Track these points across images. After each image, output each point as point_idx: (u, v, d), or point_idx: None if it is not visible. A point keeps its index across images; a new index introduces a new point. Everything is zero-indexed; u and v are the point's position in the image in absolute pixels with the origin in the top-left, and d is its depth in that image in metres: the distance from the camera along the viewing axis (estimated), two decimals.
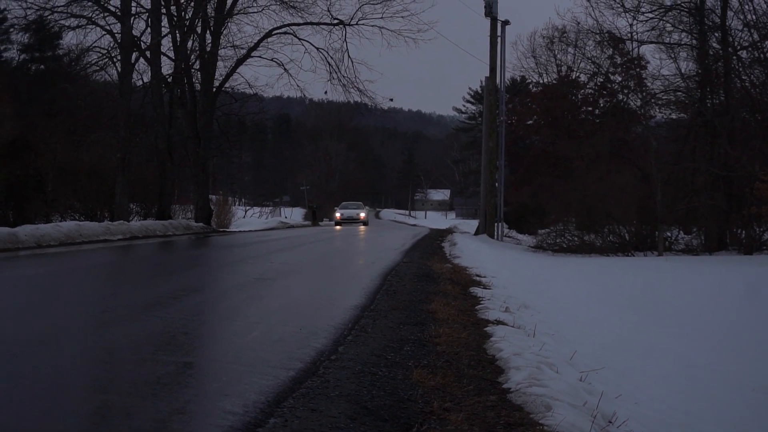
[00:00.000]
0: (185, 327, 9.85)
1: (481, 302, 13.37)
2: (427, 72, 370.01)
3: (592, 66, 57.42)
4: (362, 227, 62.12)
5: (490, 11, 45.51)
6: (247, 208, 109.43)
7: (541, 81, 69.07)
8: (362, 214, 67.26)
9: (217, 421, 5.70)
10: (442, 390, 7.27)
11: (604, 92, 58.32)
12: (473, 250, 29.04)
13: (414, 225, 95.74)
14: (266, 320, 10.62)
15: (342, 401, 6.58)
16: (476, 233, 46.75)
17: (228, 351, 8.50)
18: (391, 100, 76.34)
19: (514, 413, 6.72)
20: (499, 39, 46.12)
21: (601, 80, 57.48)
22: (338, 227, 57.82)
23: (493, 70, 46.17)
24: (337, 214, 67.75)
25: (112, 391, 6.44)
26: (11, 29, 59.78)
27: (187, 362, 7.79)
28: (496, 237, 44.94)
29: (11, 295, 13.08)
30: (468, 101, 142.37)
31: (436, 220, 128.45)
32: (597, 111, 61.15)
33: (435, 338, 9.73)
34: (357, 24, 47.66)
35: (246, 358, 8.02)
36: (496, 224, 45.77)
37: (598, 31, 47.59)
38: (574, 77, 64.38)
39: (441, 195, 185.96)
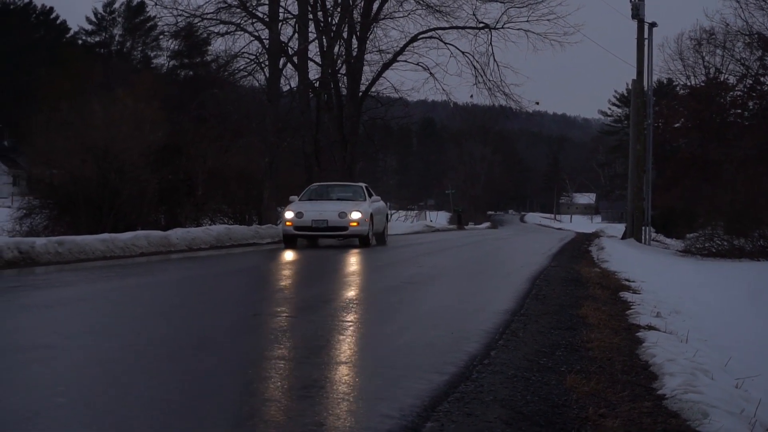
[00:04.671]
0: (337, 330, 9.94)
1: (632, 307, 13.22)
2: (572, 75, 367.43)
3: (741, 68, 56.38)
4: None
5: (637, 13, 44.92)
6: (393, 211, 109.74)
7: (689, 83, 67.93)
8: (354, 215, 28.44)
9: (375, 425, 5.75)
10: (597, 396, 7.21)
11: (754, 94, 57.10)
12: (621, 254, 28.75)
13: (559, 229, 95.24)
14: (417, 324, 10.67)
15: (497, 406, 6.58)
16: (623, 237, 46.23)
17: (381, 354, 8.54)
18: (537, 103, 75.83)
19: (671, 420, 6.64)
20: (646, 41, 45.49)
21: (751, 82, 56.35)
22: (290, 252, 25.63)
23: (639, 72, 45.60)
24: (288, 215, 28.56)
25: (269, 393, 6.53)
26: (161, 36, 60.97)
27: (340, 365, 7.87)
28: (643, 241, 44.37)
29: (167, 297, 13.33)
30: (613, 104, 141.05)
31: (582, 224, 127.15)
32: (746, 113, 59.93)
33: (586, 343, 9.66)
34: (502, 28, 47.56)
35: (399, 362, 8.06)
36: (643, 228, 45.19)
37: (747, 33, 46.80)
38: (722, 79, 63.20)
39: (586, 199, 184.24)
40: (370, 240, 28.79)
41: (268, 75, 43.42)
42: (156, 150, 31.74)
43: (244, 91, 49.76)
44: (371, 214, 28.97)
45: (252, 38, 44.71)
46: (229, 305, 12.32)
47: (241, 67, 46.01)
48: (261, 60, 44.85)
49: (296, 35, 45.52)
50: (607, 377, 7.96)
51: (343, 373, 7.51)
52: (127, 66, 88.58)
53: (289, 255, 23.54)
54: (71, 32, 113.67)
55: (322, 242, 29.99)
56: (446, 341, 9.35)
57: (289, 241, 28.36)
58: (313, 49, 47.00)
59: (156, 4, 44.07)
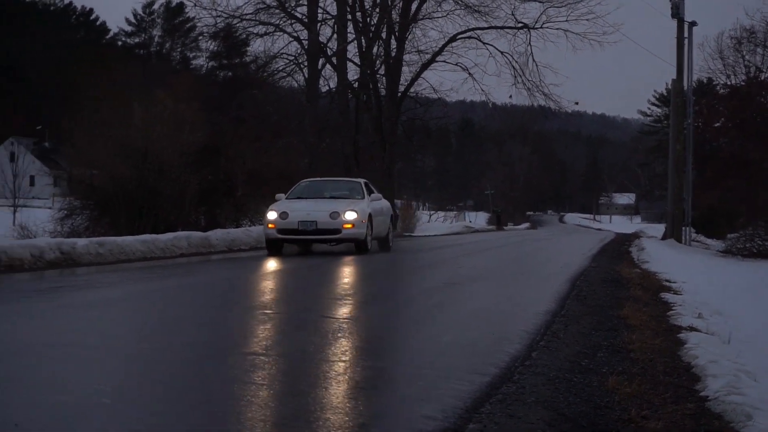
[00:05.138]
0: (378, 331, 9.97)
1: (673, 308, 13.16)
2: (612, 74, 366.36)
3: None
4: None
5: (677, 12, 44.66)
6: (431, 212, 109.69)
7: (729, 83, 67.50)
8: (348, 215, 24.14)
9: (418, 426, 5.75)
10: (639, 397, 7.19)
11: None
12: (661, 255, 28.61)
13: (599, 229, 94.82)
14: (457, 325, 10.66)
15: (539, 407, 6.57)
16: (663, 238, 45.99)
17: (422, 356, 8.55)
18: (576, 103, 75.59)
19: (714, 422, 6.62)
20: (685, 41, 45.24)
21: None
22: (273, 260, 22.05)
23: (679, 72, 45.35)
24: (271, 216, 24.02)
25: (313, 393, 6.55)
26: (200, 37, 61.29)
27: (382, 367, 7.88)
28: (683, 241, 44.14)
29: (207, 298, 13.39)
30: (653, 104, 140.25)
31: (622, 225, 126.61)
32: None
33: (628, 344, 9.62)
34: (541, 27, 47.58)
35: (440, 363, 8.06)
36: (683, 228, 44.96)
37: None
38: (762, 78, 62.78)
39: (626, 199, 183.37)
40: (367, 245, 24.43)
41: (307, 76, 43.77)
42: (195, 151, 31.84)
43: (282, 92, 49.91)
44: (369, 215, 24.78)
45: (291, 39, 45.08)
46: (269, 306, 12.33)
47: (280, 68, 46.36)
48: (300, 61, 45.13)
49: (335, 36, 45.70)
50: (649, 379, 7.94)
51: (385, 374, 7.54)
52: (167, 67, 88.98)
53: (326, 256, 23.53)
54: (111, 33, 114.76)
55: (316, 248, 25.83)
56: (487, 342, 9.35)
57: (272, 247, 23.83)
58: (352, 50, 47.23)
59: (195, 5, 44.55)
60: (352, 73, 47.56)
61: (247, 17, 44.74)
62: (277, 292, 14.55)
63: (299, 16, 45.22)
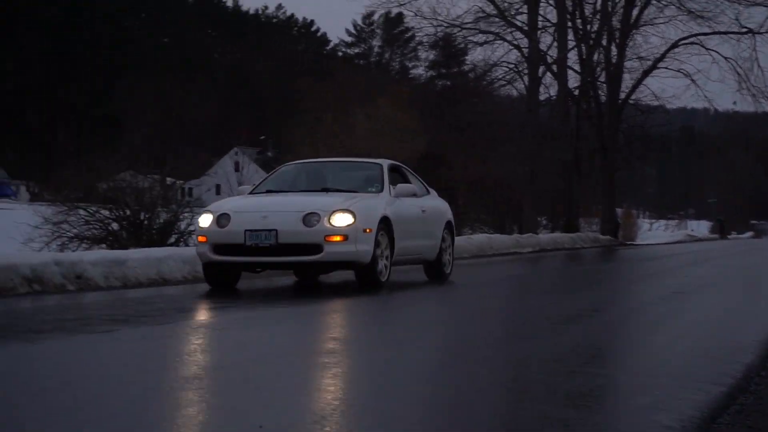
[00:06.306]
0: (607, 340, 9.91)
1: None
2: None
3: None
4: None
5: None
6: (652, 221, 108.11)
7: None
8: (338, 218, 13.65)
9: None
10: None
11: None
12: None
13: None
14: (689, 334, 10.48)
15: None
16: None
17: (654, 364, 8.42)
18: None
19: None
20: None
21: None
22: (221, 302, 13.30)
23: None
24: (203, 221, 14.27)
25: (549, 402, 6.53)
26: (419, 47, 62.01)
27: (614, 375, 7.81)
28: None
29: (432, 306, 13.49)
30: None
31: None
32: None
33: None
34: (767, 32, 46.38)
35: (674, 373, 7.93)
36: None
37: None
38: None
39: None
40: (377, 273, 14.18)
41: (527, 84, 43.66)
42: (417, 159, 32.21)
43: (500, 100, 50.09)
44: (385, 220, 14.42)
45: (511, 47, 45.08)
46: (491, 314, 12.37)
47: (499, 77, 46.41)
48: (520, 69, 45.13)
49: (555, 43, 45.59)
50: None
51: (619, 382, 7.47)
52: (386, 77, 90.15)
53: (549, 264, 23.40)
54: (331, 44, 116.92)
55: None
56: (720, 352, 9.15)
57: (210, 275, 14.48)
58: (572, 57, 46.96)
59: (416, 15, 44.94)
60: (573, 80, 47.36)
61: (467, 26, 45.03)
62: (498, 300, 14.54)
63: (519, 24, 45.26)
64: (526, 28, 44.85)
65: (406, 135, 33.48)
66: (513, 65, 46.07)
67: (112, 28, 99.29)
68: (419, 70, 75.72)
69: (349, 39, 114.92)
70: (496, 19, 45.17)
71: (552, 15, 46.24)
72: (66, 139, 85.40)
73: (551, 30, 46.26)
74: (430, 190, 17.27)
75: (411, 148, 32.18)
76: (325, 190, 15.44)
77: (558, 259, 25.83)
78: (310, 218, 13.64)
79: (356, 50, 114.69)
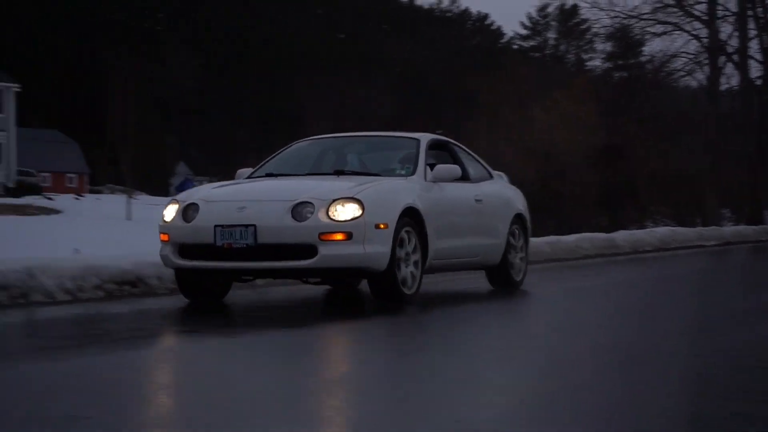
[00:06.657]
0: None
1: None
2: None
3: None
4: None
5: None
6: None
7: None
8: (341, 209, 9.62)
9: None
10: None
11: None
12: None
13: None
14: None
15: None
16: None
17: None
18: None
19: None
20: None
21: None
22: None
23: None
24: (167, 214, 10.31)
25: (736, 398, 6.44)
26: (595, 38, 61.58)
27: None
28: None
29: (617, 297, 13.43)
30: None
31: None
32: None
33: None
34: None
35: None
36: None
37: None
38: None
39: None
40: (398, 281, 10.07)
41: (707, 74, 43.04)
42: (596, 152, 32.07)
43: (679, 91, 49.45)
44: (412, 212, 10.41)
45: (690, 37, 44.47)
46: (677, 308, 12.25)
47: (678, 68, 45.84)
48: (700, 59, 44.51)
49: (735, 33, 44.83)
50: None
51: None
52: (562, 69, 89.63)
53: (736, 258, 23.00)
54: (506, 38, 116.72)
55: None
56: None
57: (184, 286, 10.65)
58: (754, 47, 46.05)
59: (592, 6, 44.73)
60: (755, 70, 46.47)
61: (645, 17, 44.63)
62: (678, 294, 14.37)
63: (698, 14, 44.65)
64: (705, 17, 44.22)
65: (584, 128, 33.24)
66: (692, 56, 45.44)
67: (286, 25, 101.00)
68: (595, 62, 75.12)
69: (523, 32, 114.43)
70: (674, 9, 44.68)
71: (731, 4, 45.48)
72: (247, 135, 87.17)
73: (731, 19, 45.48)
74: (495, 173, 13.18)
75: (590, 141, 31.98)
76: (340, 173, 11.33)
77: (743, 252, 25.37)
78: (301, 209, 9.82)
79: (531, 43, 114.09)
